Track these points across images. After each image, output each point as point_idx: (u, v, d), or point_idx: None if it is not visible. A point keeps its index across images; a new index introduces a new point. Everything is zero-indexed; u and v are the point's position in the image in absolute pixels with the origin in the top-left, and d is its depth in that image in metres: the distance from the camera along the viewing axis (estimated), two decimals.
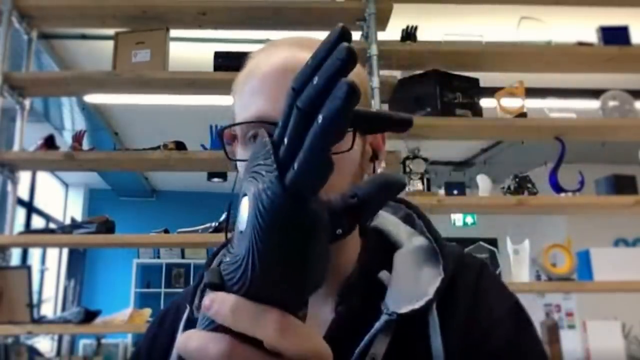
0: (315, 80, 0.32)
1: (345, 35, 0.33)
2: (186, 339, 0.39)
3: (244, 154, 0.62)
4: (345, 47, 0.31)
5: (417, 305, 0.58)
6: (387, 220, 0.70)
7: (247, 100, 0.62)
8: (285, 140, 0.35)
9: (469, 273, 0.64)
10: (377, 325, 0.57)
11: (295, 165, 0.33)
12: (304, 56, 0.60)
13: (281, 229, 0.35)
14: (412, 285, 0.60)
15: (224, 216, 2.64)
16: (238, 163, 0.64)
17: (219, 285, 0.38)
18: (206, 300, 0.38)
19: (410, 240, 0.66)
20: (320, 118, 0.32)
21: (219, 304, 0.37)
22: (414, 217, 0.71)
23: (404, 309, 0.57)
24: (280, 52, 0.62)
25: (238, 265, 0.37)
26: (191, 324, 0.63)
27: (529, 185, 2.55)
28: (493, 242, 3.90)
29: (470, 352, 0.58)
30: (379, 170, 0.68)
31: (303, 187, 0.34)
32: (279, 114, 0.59)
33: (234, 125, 0.63)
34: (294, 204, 0.34)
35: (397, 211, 0.73)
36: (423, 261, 0.63)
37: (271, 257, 0.35)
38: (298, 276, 0.36)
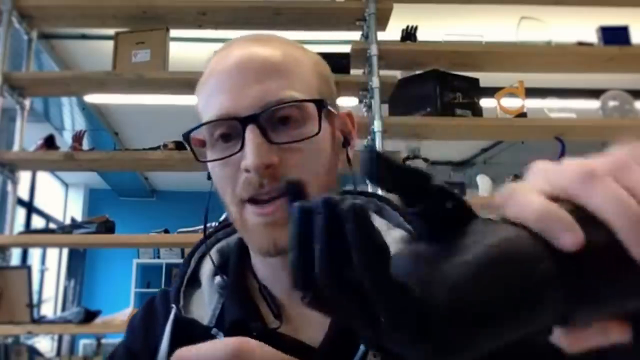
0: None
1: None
2: None
3: (213, 156, 0.61)
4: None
5: None
6: None
7: (208, 101, 0.61)
8: None
9: None
10: None
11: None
12: (258, 50, 0.61)
13: None
14: None
15: (224, 216, 2.63)
16: (209, 166, 0.64)
17: None
18: None
19: (388, 233, 0.63)
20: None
21: None
22: (388, 209, 0.68)
23: None
24: (235, 49, 0.62)
25: None
26: (180, 323, 0.63)
27: None
28: None
29: None
30: (351, 155, 0.66)
31: None
32: (240, 109, 0.58)
33: (197, 127, 0.62)
34: None
35: (369, 206, 0.69)
36: None
37: None
38: None
